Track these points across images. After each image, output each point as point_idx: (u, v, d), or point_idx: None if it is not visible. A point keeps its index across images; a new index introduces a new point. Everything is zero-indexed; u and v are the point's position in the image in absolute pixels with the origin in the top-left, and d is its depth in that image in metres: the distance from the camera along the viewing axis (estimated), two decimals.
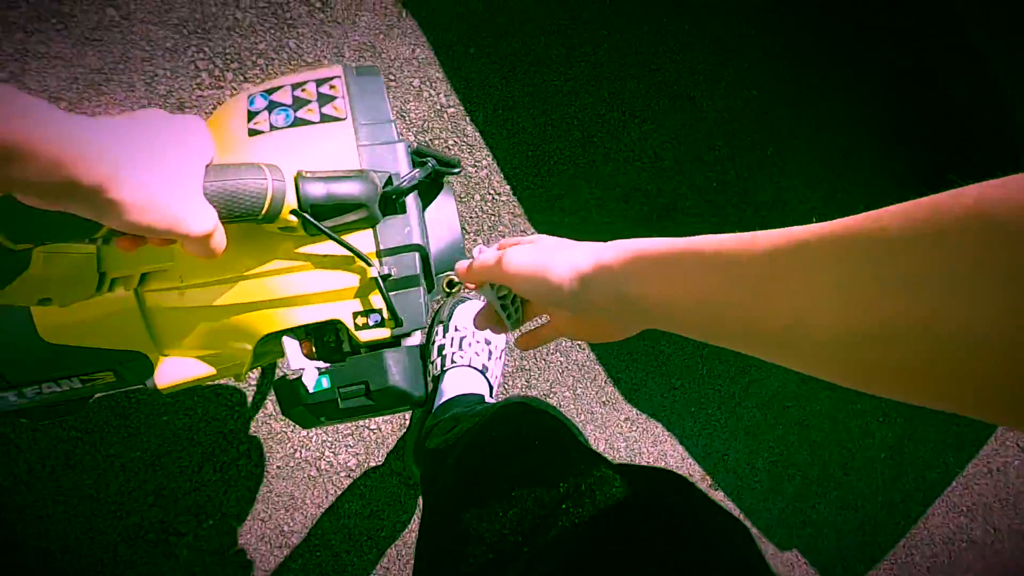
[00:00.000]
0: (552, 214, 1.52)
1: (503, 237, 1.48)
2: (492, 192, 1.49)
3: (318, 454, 1.33)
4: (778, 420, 1.76)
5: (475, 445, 0.80)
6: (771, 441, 1.76)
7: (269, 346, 0.67)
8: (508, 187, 1.50)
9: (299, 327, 0.62)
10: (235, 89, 1.28)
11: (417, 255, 0.63)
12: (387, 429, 1.39)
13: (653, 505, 0.59)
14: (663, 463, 1.64)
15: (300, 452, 1.32)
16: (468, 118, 1.46)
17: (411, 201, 0.63)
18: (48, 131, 0.33)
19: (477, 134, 1.46)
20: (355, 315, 0.62)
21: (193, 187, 0.46)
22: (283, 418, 1.31)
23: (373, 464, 1.38)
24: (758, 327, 0.38)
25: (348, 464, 1.36)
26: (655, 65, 1.67)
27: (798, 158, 1.81)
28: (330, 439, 1.34)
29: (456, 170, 0.69)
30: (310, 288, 0.60)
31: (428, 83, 1.43)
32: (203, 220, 0.46)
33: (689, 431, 1.66)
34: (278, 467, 1.31)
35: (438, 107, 1.44)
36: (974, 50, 1.90)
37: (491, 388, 1.30)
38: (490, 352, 1.34)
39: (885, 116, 1.91)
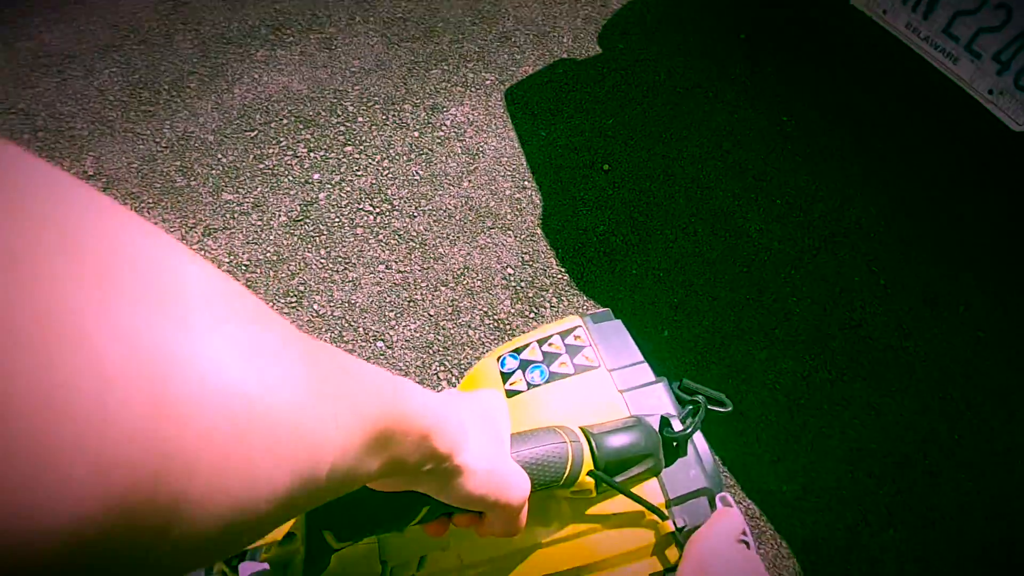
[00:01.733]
0: (769, 482, 1.48)
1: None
2: None
3: None
4: None
5: None
6: None
7: None
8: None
9: None
10: None
11: (707, 499, 0.59)
12: None
13: None
14: None
15: None
16: None
17: (688, 441, 0.59)
18: (418, 406, 0.35)
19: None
20: None
21: (508, 455, 0.47)
22: None
23: None
24: None
25: None
26: (855, 322, 1.68)
27: None
28: None
29: (727, 408, 0.63)
30: (602, 552, 0.56)
31: None
32: (522, 487, 0.46)
33: None
34: None
35: None
36: None
37: None
38: None
39: None
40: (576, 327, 0.65)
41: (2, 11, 2.18)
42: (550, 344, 0.65)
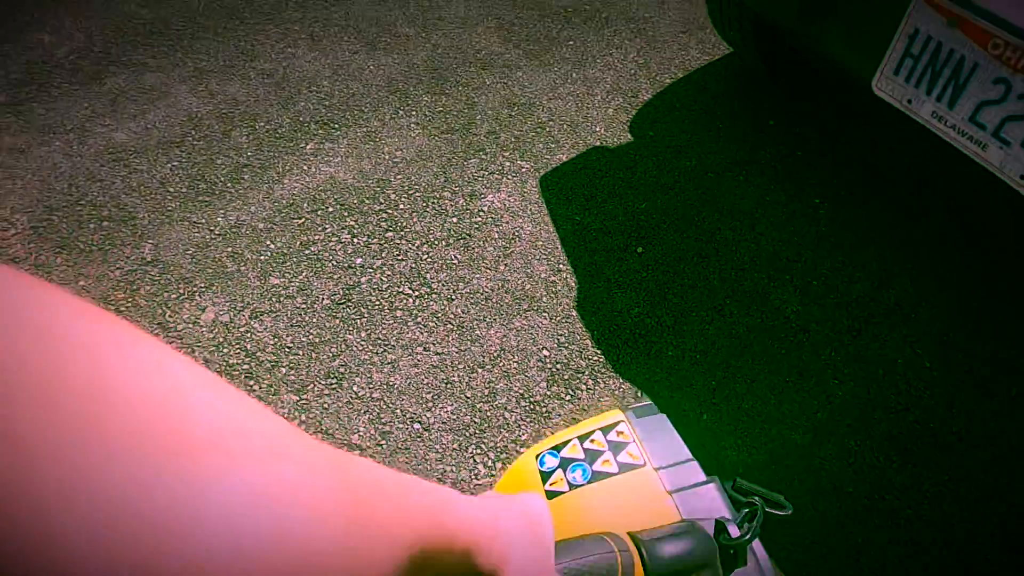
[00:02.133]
0: (815, 569, 1.41)
1: None
2: None
3: None
4: None
5: None
6: None
7: None
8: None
9: None
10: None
11: None
12: None
13: None
14: None
15: None
16: None
17: (747, 549, 0.55)
18: (459, 520, 0.32)
19: None
20: None
21: (553, 569, 0.43)
22: None
23: None
24: None
25: None
26: (901, 405, 1.63)
27: None
28: None
29: (786, 511, 0.58)
30: None
31: None
32: None
33: None
34: None
35: None
36: None
37: None
38: None
39: None
40: (619, 422, 0.63)
41: (76, 113, 2.39)
42: (592, 440, 0.62)
